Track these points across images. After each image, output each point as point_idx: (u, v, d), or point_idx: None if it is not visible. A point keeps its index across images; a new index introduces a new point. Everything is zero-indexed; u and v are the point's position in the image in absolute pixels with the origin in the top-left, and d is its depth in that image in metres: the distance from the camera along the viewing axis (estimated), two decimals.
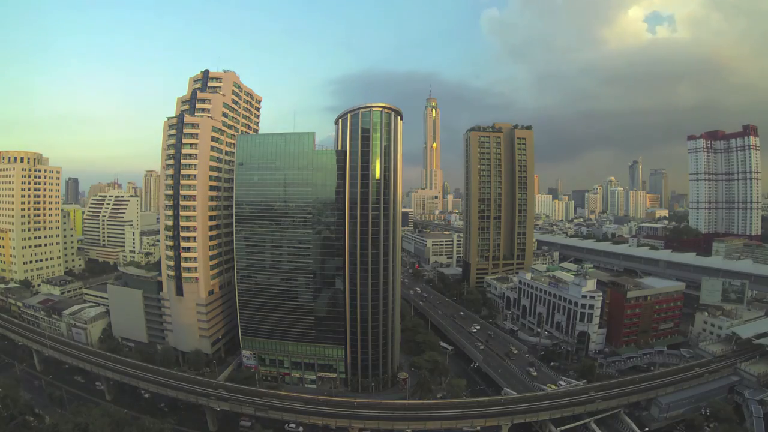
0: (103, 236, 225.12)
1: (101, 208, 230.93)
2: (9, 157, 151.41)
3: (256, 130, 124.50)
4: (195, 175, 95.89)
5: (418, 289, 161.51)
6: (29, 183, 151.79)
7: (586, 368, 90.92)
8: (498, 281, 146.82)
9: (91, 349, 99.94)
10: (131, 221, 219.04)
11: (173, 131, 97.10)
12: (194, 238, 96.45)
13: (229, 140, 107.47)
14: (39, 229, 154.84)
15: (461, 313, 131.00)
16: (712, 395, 79.00)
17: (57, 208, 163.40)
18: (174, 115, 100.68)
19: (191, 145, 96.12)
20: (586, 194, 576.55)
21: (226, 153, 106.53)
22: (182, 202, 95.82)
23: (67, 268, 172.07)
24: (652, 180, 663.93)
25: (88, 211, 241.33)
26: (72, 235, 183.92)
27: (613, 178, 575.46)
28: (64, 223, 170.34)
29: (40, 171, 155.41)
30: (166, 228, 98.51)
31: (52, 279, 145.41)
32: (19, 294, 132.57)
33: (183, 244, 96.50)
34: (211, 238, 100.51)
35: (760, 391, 77.56)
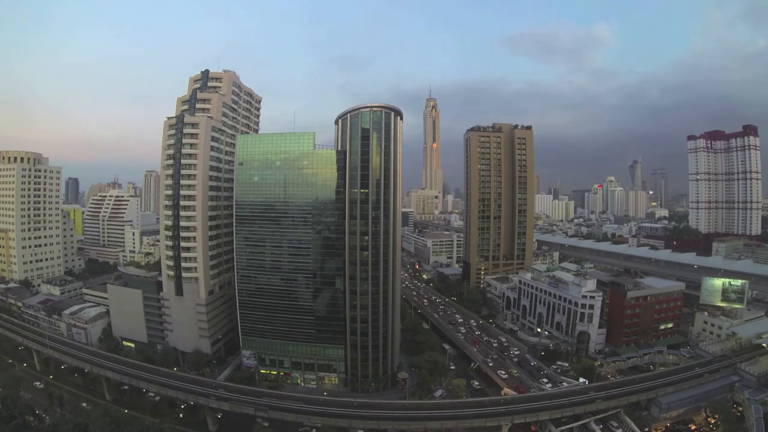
0: (103, 236, 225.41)
1: (101, 208, 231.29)
2: (9, 157, 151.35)
3: (256, 130, 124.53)
4: (195, 175, 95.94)
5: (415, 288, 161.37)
6: (29, 183, 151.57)
7: (586, 368, 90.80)
8: (498, 281, 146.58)
9: (91, 349, 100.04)
10: (131, 221, 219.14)
11: (173, 131, 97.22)
12: (194, 238, 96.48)
13: (229, 140, 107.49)
14: (39, 229, 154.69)
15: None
16: (712, 395, 78.78)
17: (57, 208, 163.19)
18: (174, 115, 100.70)
19: (191, 145, 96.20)
20: (586, 194, 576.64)
21: (226, 153, 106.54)
22: (182, 202, 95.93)
23: (67, 268, 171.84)
24: (652, 180, 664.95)
25: (88, 211, 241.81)
26: (72, 235, 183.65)
27: (612, 178, 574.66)
28: (64, 223, 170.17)
29: (40, 171, 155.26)
30: (166, 228, 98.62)
31: (52, 279, 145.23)
32: (19, 294, 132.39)
33: (183, 244, 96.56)
34: (211, 238, 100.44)
35: (760, 391, 77.39)
